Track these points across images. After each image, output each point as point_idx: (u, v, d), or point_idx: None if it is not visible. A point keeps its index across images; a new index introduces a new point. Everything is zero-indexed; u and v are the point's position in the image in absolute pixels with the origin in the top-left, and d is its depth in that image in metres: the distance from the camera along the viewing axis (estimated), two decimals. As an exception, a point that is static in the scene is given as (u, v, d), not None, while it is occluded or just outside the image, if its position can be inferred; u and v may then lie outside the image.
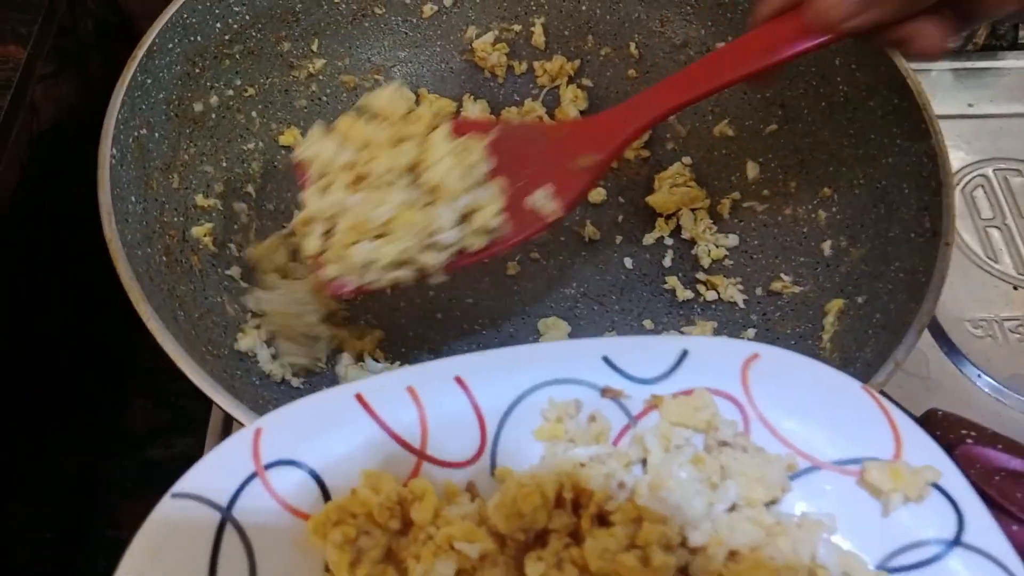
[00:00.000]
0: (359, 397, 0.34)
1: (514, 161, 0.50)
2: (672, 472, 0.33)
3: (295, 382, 0.51)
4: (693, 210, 0.62)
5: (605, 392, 0.36)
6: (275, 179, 0.60)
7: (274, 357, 0.51)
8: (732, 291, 0.58)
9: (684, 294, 0.59)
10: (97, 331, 0.73)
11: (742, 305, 0.58)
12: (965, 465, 0.34)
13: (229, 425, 0.60)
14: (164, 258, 0.48)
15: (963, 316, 0.64)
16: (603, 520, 0.33)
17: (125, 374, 0.77)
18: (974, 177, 0.71)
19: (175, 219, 0.51)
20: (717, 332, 0.57)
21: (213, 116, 0.56)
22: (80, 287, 0.71)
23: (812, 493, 0.34)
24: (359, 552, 0.31)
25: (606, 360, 0.36)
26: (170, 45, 0.52)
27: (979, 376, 0.61)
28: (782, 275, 0.57)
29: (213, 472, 0.32)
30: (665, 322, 0.58)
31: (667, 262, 0.61)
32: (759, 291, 0.58)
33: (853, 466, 0.34)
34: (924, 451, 0.33)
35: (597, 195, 0.63)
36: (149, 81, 0.51)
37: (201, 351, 0.45)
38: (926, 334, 0.60)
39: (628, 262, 0.61)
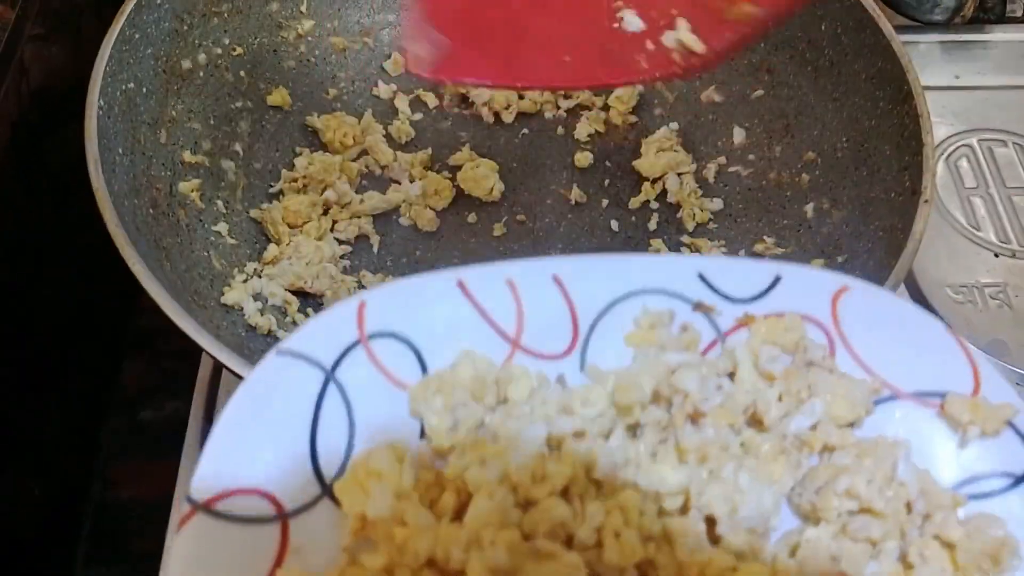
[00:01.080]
0: (460, 283, 0.34)
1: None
2: (759, 386, 0.34)
3: (281, 334, 0.51)
4: (679, 174, 0.62)
5: (697, 307, 0.36)
6: (263, 139, 0.60)
7: (261, 312, 0.51)
8: (716, 253, 0.59)
9: (668, 256, 0.59)
10: (91, 293, 0.74)
11: (725, 267, 0.58)
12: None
13: (216, 384, 0.60)
14: (151, 211, 0.49)
15: (944, 282, 0.65)
16: (694, 420, 0.34)
17: (118, 336, 0.77)
18: (959, 147, 0.72)
19: (163, 174, 0.52)
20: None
21: (201, 74, 0.57)
22: (72, 249, 0.71)
23: (891, 419, 0.35)
24: (456, 420, 0.32)
25: (701, 277, 0.36)
26: (159, 1, 0.53)
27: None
28: (765, 237, 0.58)
29: (318, 336, 0.32)
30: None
31: (652, 225, 0.61)
32: (742, 253, 0.58)
33: (932, 398, 0.34)
34: (1001, 390, 0.34)
35: (584, 159, 0.63)
36: (137, 36, 0.51)
37: (187, 300, 0.45)
38: (908, 300, 0.61)
39: (614, 224, 0.61)
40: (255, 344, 0.49)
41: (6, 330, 0.63)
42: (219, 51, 0.58)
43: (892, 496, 0.32)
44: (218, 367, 0.60)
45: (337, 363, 0.32)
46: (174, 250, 0.49)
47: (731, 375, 0.35)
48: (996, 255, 0.66)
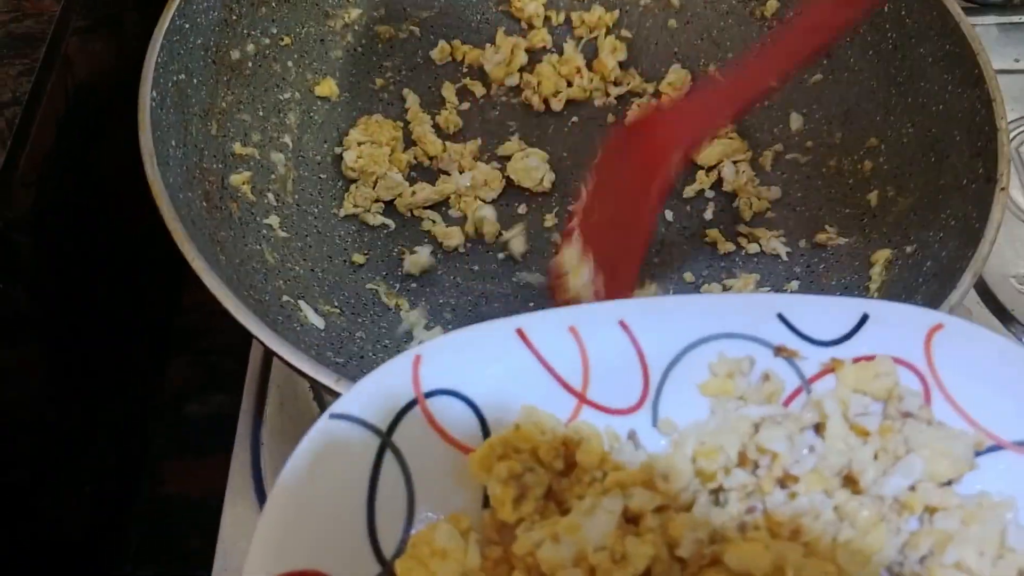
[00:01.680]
0: (520, 332, 0.32)
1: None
2: (851, 443, 0.32)
3: (334, 332, 0.51)
4: (735, 162, 0.61)
5: (779, 351, 0.34)
6: (312, 129, 0.59)
7: (316, 309, 0.51)
8: (775, 243, 0.57)
9: (726, 247, 0.58)
10: (138, 289, 0.73)
11: (785, 258, 0.57)
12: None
13: (266, 378, 0.60)
14: (204, 203, 0.48)
15: (1008, 273, 0.63)
16: (783, 484, 0.31)
17: (163, 333, 0.77)
18: (1020, 133, 0.70)
19: (214, 166, 0.51)
20: (760, 285, 0.56)
21: (250, 64, 0.56)
22: (120, 246, 0.71)
23: (994, 473, 0.32)
24: (523, 488, 0.30)
25: (781, 317, 0.34)
26: (207, -10, 0.52)
27: (1025, 333, 0.60)
28: (826, 227, 0.56)
29: (372, 396, 0.31)
30: (706, 275, 0.57)
31: (708, 215, 0.60)
32: (803, 243, 0.57)
33: None
34: None
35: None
36: (187, 26, 0.50)
37: (244, 295, 0.44)
38: (972, 291, 0.59)
39: (668, 215, 0.60)
40: (310, 339, 0.48)
41: (54, 330, 0.62)
42: (267, 41, 0.57)
43: (1004, 566, 0.29)
44: (267, 362, 0.60)
45: (393, 425, 0.31)
46: (228, 243, 0.48)
47: (817, 426, 0.33)
48: (1061, 245, 0.64)
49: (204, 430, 0.75)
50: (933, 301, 0.44)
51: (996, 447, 0.32)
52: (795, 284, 0.55)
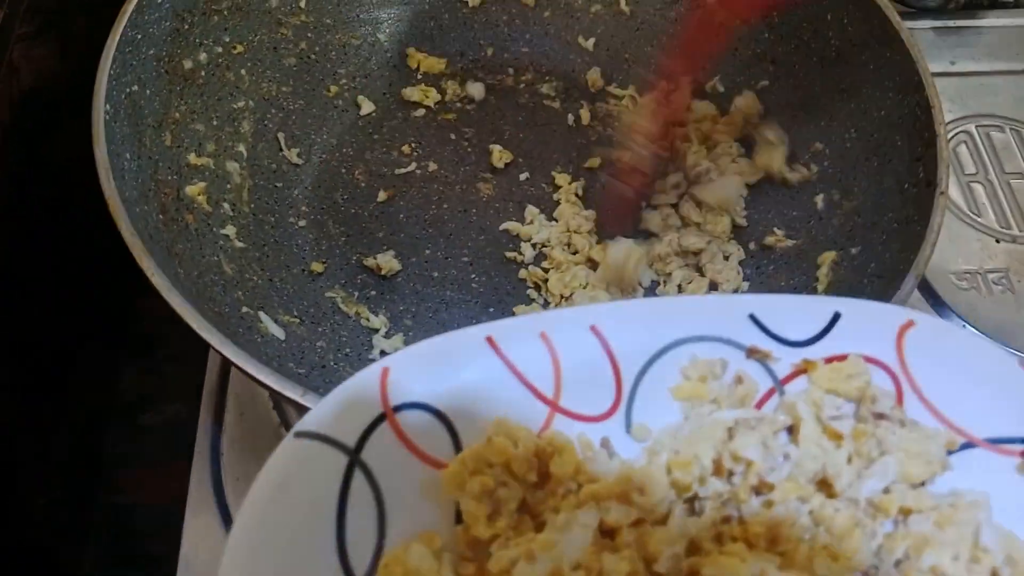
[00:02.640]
0: (490, 340, 0.32)
1: None
2: (825, 446, 0.32)
3: (295, 342, 0.51)
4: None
5: (751, 353, 0.34)
6: (266, 138, 0.59)
7: (275, 320, 0.51)
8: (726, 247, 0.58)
9: (678, 249, 0.59)
10: (87, 299, 0.72)
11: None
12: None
13: (224, 388, 0.59)
14: (161, 216, 0.48)
15: (948, 269, 0.65)
16: (759, 492, 0.31)
17: (116, 342, 0.76)
18: (957, 133, 0.72)
19: (169, 177, 0.51)
20: (711, 288, 0.57)
21: (203, 74, 0.55)
22: (69, 254, 0.70)
23: (967, 472, 0.32)
24: (497, 503, 0.30)
25: (752, 318, 0.34)
26: (158, 0, 0.51)
27: (964, 327, 0.62)
28: (775, 229, 0.58)
29: (338, 412, 0.30)
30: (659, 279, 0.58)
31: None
32: (752, 246, 0.58)
33: (1011, 445, 0.32)
34: None
35: (593, 160, 0.63)
36: (139, 37, 0.50)
37: (204, 308, 0.44)
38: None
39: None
40: (272, 350, 0.49)
41: (4, 342, 0.61)
42: (220, 50, 0.57)
43: (978, 569, 0.30)
44: (225, 371, 0.59)
45: (362, 442, 0.30)
46: (186, 256, 0.48)
47: (790, 428, 0.33)
48: (997, 240, 0.67)
49: (160, 439, 0.74)
50: (878, 301, 0.46)
51: (969, 444, 0.32)
52: (745, 285, 0.57)
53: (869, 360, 0.33)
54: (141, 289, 0.79)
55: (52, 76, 0.68)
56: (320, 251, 0.57)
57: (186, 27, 0.54)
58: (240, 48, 0.58)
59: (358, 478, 0.30)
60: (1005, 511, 0.31)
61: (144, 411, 0.76)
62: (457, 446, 0.31)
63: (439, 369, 0.31)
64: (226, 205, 0.54)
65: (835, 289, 0.52)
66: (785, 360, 0.34)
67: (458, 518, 0.31)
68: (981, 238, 0.67)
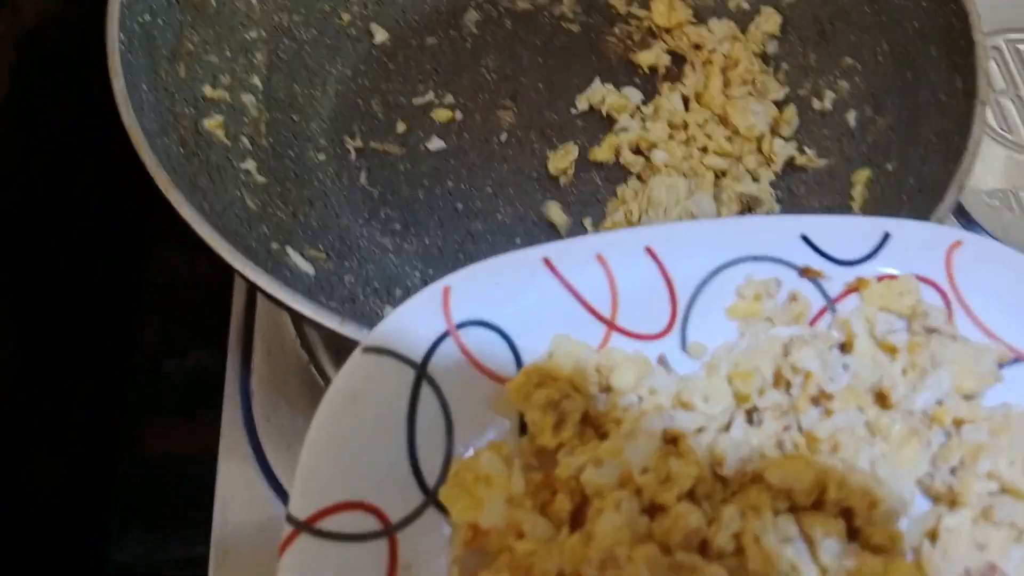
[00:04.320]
0: (547, 261, 0.32)
1: None
2: (880, 360, 0.32)
3: (322, 275, 0.50)
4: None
5: (804, 272, 0.34)
6: (280, 70, 0.57)
7: (303, 254, 0.50)
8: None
9: (706, 172, 0.58)
10: (101, 246, 0.71)
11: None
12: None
13: (250, 330, 0.59)
14: (181, 150, 0.47)
15: (979, 188, 0.64)
16: (817, 402, 0.32)
17: (131, 292, 0.75)
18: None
19: (186, 110, 0.49)
20: (741, 210, 0.56)
21: (214, 3, 0.54)
22: (79, 201, 0.69)
23: (1016, 386, 0.33)
24: (561, 415, 0.30)
25: (805, 239, 0.34)
26: (165, -75, 0.49)
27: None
28: (805, 149, 0.57)
29: (404, 329, 0.30)
30: (688, 202, 0.57)
31: (686, 143, 0.59)
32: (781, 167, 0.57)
33: None
34: None
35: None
36: (148, -37, 0.48)
37: (234, 241, 0.43)
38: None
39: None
40: (300, 284, 0.48)
41: (20, 296, 0.61)
42: (230, -23, 0.55)
43: None
44: (250, 312, 0.59)
45: (428, 357, 0.30)
46: (209, 191, 0.47)
47: (842, 345, 0.33)
48: (1029, 158, 0.65)
49: (182, 388, 0.74)
50: (918, 217, 0.45)
51: (1018, 360, 0.33)
52: (776, 208, 0.56)
53: (919, 279, 0.34)
54: (157, 236, 0.78)
55: (55, 14, 0.66)
56: (341, 185, 0.56)
57: (195, -46, 0.52)
58: (249, -25, 0.56)
59: (426, 391, 0.30)
60: None
61: (166, 360, 0.75)
62: (519, 362, 0.32)
63: (499, 289, 0.32)
64: (244, 139, 0.53)
65: (871, 207, 0.51)
66: (837, 279, 0.34)
67: (522, 430, 0.31)
68: (1012, 156, 0.65)
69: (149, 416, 0.73)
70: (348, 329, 0.37)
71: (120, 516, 0.70)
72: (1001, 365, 0.33)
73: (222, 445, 0.55)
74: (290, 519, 0.27)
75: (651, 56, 0.61)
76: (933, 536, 0.30)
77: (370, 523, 0.28)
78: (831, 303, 0.34)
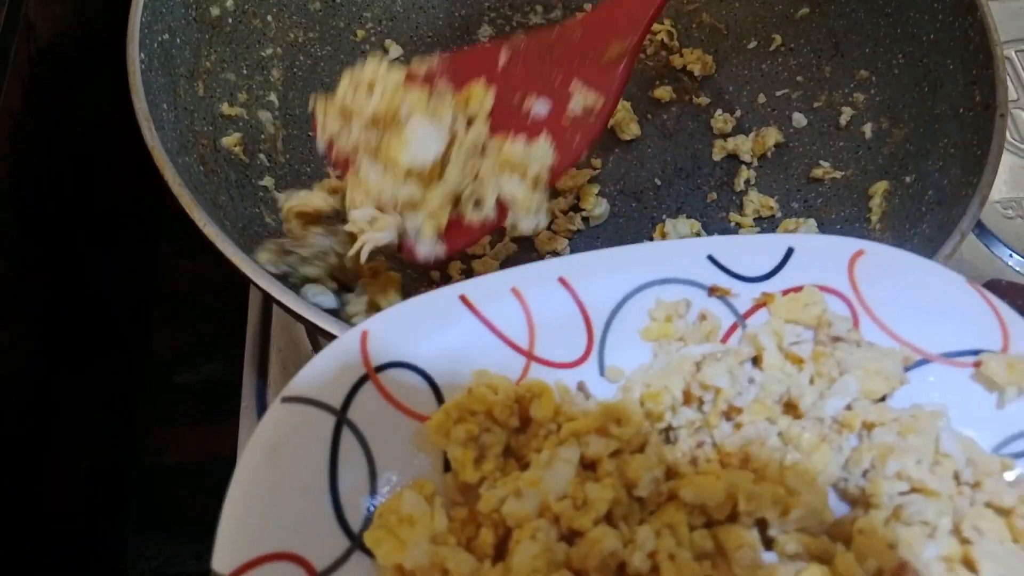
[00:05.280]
0: (463, 298, 0.33)
1: (534, 81, 0.46)
2: (788, 371, 0.33)
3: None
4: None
5: (712, 291, 0.35)
6: (295, 86, 0.58)
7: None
8: (772, 182, 0.57)
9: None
10: (116, 256, 0.71)
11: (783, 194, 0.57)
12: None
13: (266, 342, 0.59)
14: (202, 167, 0.47)
15: (993, 197, 0.64)
16: (728, 416, 0.32)
17: (146, 301, 0.75)
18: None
19: (205, 128, 0.49)
20: (758, 223, 0.56)
21: (230, 21, 0.54)
22: (94, 212, 0.69)
23: (924, 385, 0.34)
24: (482, 449, 0.31)
25: (711, 259, 0.35)
26: (183, -55, 0.50)
27: (1011, 256, 0.61)
28: (821, 162, 0.57)
29: (322, 376, 0.30)
30: (706, 216, 0.57)
31: (704, 156, 0.60)
32: (800, 178, 0.57)
33: (963, 358, 0.33)
34: None
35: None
36: (167, -17, 0.48)
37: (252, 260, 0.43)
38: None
39: (667, 156, 0.59)
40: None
41: (37, 307, 0.61)
42: (246, -5, 0.55)
43: (941, 471, 0.31)
44: (266, 324, 0.59)
45: (347, 402, 0.31)
46: (228, 207, 0.47)
47: (754, 360, 0.34)
48: (1042, 167, 0.65)
49: (196, 398, 0.74)
50: (941, 228, 0.45)
51: (924, 361, 0.34)
52: (793, 220, 0.56)
53: (824, 289, 0.35)
54: (172, 250, 0.78)
55: (67, 32, 0.66)
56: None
57: (211, -28, 0.52)
58: (266, -7, 0.56)
59: (347, 436, 0.30)
60: (962, 419, 0.33)
61: (179, 371, 0.75)
62: (439, 399, 0.32)
63: (417, 329, 0.32)
64: (262, 156, 0.53)
65: (890, 219, 0.51)
66: (745, 295, 0.35)
67: (446, 467, 0.31)
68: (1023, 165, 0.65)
69: (163, 426, 0.73)
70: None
71: (136, 527, 0.70)
72: (907, 368, 0.34)
73: (239, 456, 0.54)
74: (213, 575, 0.27)
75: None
76: (847, 540, 0.31)
77: (296, 573, 0.28)
78: (741, 319, 0.35)
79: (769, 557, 0.30)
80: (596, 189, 0.58)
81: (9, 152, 0.57)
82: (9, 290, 0.58)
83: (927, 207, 0.48)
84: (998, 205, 0.64)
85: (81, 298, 0.67)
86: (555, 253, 0.56)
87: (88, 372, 0.67)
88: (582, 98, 0.45)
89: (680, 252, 0.35)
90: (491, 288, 0.33)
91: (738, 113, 0.61)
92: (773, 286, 0.35)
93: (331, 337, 0.39)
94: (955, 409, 0.33)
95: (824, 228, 0.54)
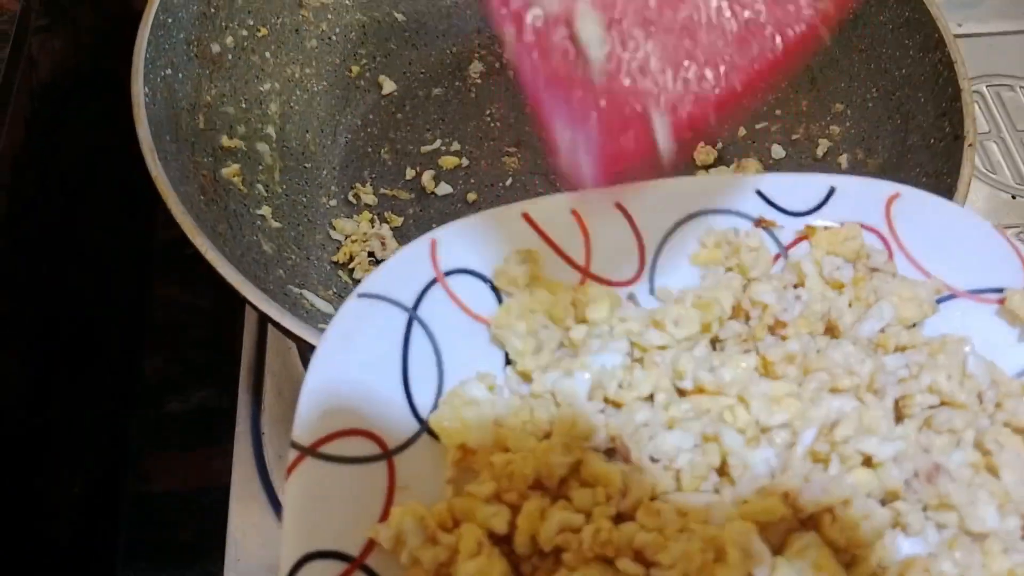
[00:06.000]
0: (526, 215, 0.35)
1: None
2: (828, 295, 0.35)
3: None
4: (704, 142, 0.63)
5: (759, 222, 0.37)
6: (292, 120, 0.59)
7: (317, 294, 0.51)
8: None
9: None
10: (110, 285, 0.72)
11: (763, 223, 0.59)
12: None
13: (261, 369, 0.60)
14: (202, 197, 0.48)
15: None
16: (773, 331, 0.34)
17: (137, 328, 0.76)
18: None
19: (205, 159, 0.51)
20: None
21: (230, 57, 0.56)
22: (87, 242, 0.70)
23: (952, 318, 0.36)
24: (539, 343, 0.33)
25: (759, 193, 0.37)
26: (186, -16, 0.52)
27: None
28: (800, 191, 0.59)
29: (395, 277, 0.32)
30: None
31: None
32: (778, 208, 0.59)
33: (988, 294, 0.36)
34: None
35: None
36: (170, 21, 0.50)
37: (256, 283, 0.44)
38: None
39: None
40: (317, 323, 0.49)
41: (31, 334, 0.62)
42: (245, 32, 0.57)
43: (968, 388, 0.33)
44: (261, 352, 0.60)
45: (418, 301, 0.33)
46: (228, 236, 0.48)
47: (795, 287, 0.36)
48: (1013, 197, 0.68)
49: (186, 426, 0.74)
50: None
51: (951, 296, 0.36)
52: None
53: (862, 226, 0.37)
54: (163, 280, 0.79)
55: (67, 67, 0.68)
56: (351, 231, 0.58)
57: (212, 10, 0.54)
58: (264, 31, 0.58)
59: (417, 331, 0.32)
60: (985, 350, 0.35)
61: (169, 399, 0.76)
62: (501, 305, 0.34)
63: (481, 241, 0.34)
64: (260, 186, 0.55)
65: (866, 245, 0.53)
66: (789, 228, 0.37)
67: (507, 362, 0.34)
68: (998, 195, 0.68)
69: (153, 452, 0.73)
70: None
71: (126, 554, 0.70)
72: (937, 300, 0.36)
73: (234, 484, 0.55)
74: (295, 445, 0.29)
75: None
76: None
77: (370, 447, 0.30)
78: (784, 250, 0.37)
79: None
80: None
81: (10, 183, 0.59)
82: (2, 317, 0.59)
83: (901, 233, 0.50)
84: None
85: (74, 326, 0.68)
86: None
87: (79, 399, 0.68)
88: None
89: (731, 185, 0.37)
90: (552, 208, 0.35)
91: (719, 145, 0.63)
92: (815, 220, 0.37)
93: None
94: (979, 340, 0.35)
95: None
